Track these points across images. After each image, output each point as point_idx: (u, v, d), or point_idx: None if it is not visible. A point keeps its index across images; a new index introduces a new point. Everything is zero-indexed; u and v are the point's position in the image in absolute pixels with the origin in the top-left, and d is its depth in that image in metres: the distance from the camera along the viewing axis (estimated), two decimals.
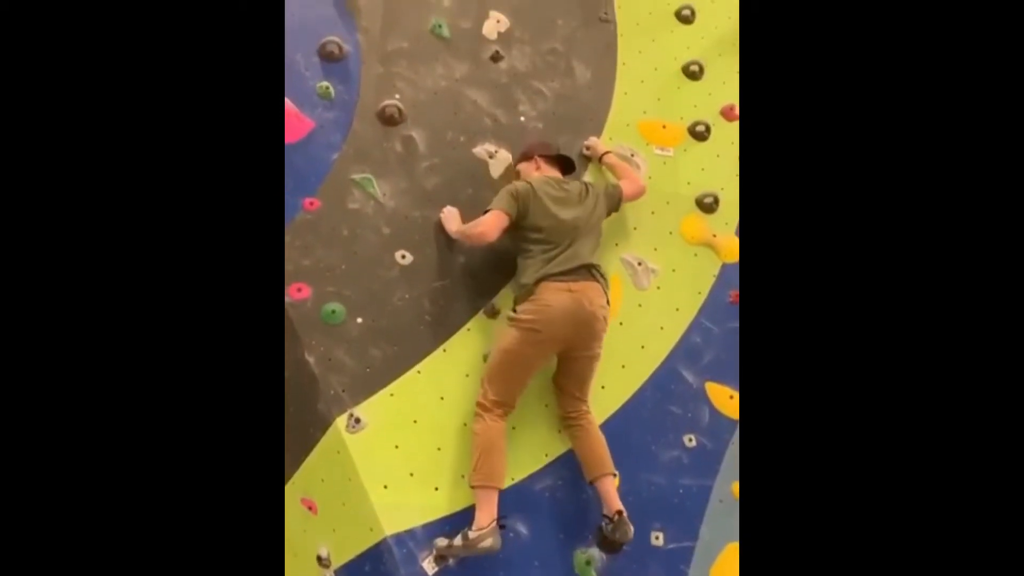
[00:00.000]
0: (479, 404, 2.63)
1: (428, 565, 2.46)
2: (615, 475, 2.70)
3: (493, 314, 2.89)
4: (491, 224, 2.73)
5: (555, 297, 2.63)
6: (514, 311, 2.72)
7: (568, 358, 2.76)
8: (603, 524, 2.68)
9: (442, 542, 2.48)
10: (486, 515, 2.48)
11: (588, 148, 3.26)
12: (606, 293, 2.76)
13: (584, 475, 2.72)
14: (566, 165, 3.05)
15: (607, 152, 3.22)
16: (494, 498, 2.51)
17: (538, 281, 2.68)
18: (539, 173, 2.95)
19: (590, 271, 2.74)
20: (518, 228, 2.79)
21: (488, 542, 2.43)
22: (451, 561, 2.49)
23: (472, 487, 2.54)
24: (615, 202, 3.04)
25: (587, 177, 3.20)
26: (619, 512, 2.62)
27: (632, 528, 2.62)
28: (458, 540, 2.45)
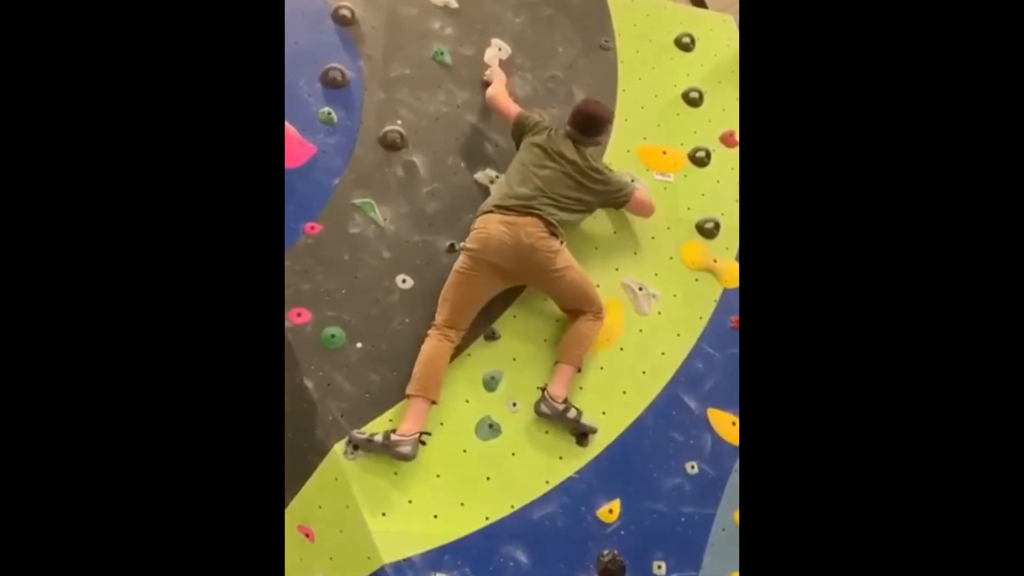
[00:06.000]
0: (432, 325, 2.76)
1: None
2: (576, 369, 2.85)
3: (493, 339, 2.89)
4: (502, 108, 3.13)
5: (493, 227, 2.79)
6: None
7: (530, 282, 2.92)
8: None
9: (361, 434, 2.55)
10: (412, 424, 2.59)
11: None
12: (549, 227, 2.82)
13: None
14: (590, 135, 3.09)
15: None
16: (425, 411, 2.63)
17: (484, 213, 2.86)
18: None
19: (532, 209, 2.82)
20: (516, 156, 3.02)
21: (406, 449, 2.54)
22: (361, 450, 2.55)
23: (407, 395, 2.65)
24: (615, 205, 3.13)
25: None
26: (542, 388, 2.79)
27: (550, 410, 2.74)
28: (379, 437, 2.54)
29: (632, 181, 3.34)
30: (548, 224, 2.83)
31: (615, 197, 3.09)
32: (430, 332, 2.74)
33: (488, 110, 3.28)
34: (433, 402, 2.67)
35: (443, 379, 2.71)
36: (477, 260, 2.77)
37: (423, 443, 2.60)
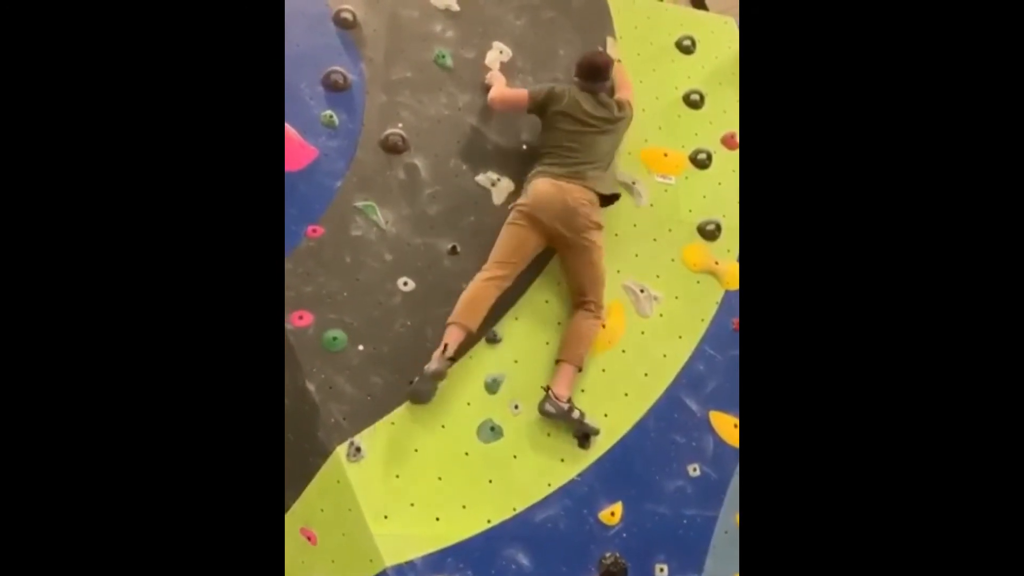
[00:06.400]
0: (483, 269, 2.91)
1: None
2: (578, 368, 2.88)
3: (494, 341, 2.89)
4: (511, 98, 3.19)
5: (544, 187, 2.98)
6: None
7: (560, 248, 3.03)
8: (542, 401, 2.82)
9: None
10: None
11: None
12: (595, 198, 3.02)
13: None
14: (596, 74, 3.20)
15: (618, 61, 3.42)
16: (459, 337, 2.75)
17: (537, 176, 3.02)
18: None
19: (583, 177, 3.00)
20: (543, 128, 3.15)
21: (433, 366, 2.65)
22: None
23: (447, 323, 2.76)
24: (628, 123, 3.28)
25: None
26: (546, 388, 2.82)
27: (555, 409, 2.77)
28: (416, 379, 2.65)
29: (634, 184, 3.36)
30: (594, 195, 3.00)
31: (629, 122, 3.25)
32: (478, 274, 2.87)
33: (489, 112, 3.28)
34: (470, 331, 2.76)
35: (484, 315, 2.81)
36: (524, 213, 2.95)
37: (452, 359, 2.69)
